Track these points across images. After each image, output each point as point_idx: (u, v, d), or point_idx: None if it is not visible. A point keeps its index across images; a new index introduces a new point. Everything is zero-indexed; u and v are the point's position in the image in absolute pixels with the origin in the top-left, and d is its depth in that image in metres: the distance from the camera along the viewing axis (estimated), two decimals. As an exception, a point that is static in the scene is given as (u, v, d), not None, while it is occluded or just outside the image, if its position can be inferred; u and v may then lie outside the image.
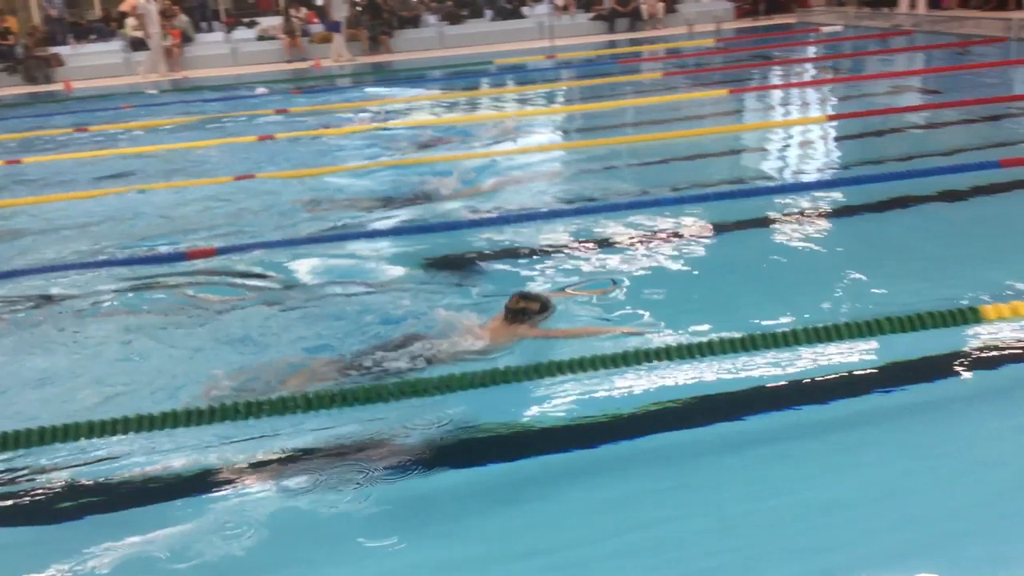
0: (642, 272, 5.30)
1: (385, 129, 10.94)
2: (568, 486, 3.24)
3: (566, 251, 5.80)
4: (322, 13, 22.73)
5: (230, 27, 23.96)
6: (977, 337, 4.07)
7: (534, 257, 5.74)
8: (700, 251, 5.72)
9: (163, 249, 6.35)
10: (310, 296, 5.28)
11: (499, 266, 5.66)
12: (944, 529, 2.90)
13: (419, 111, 12.89)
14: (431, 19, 24.17)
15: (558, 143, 9.70)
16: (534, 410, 3.78)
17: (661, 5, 23.73)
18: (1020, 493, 3.05)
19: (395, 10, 23.19)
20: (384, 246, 6.20)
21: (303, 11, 23.21)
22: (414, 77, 17.25)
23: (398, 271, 5.67)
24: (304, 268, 5.77)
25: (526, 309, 4.63)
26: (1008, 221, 5.92)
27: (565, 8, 24.57)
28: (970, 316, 3.93)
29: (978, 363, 3.91)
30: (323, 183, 8.22)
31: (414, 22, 23.63)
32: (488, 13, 24.86)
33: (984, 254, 5.25)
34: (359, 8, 23.15)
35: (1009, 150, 7.65)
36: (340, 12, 21.19)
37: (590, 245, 5.87)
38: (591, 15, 24.19)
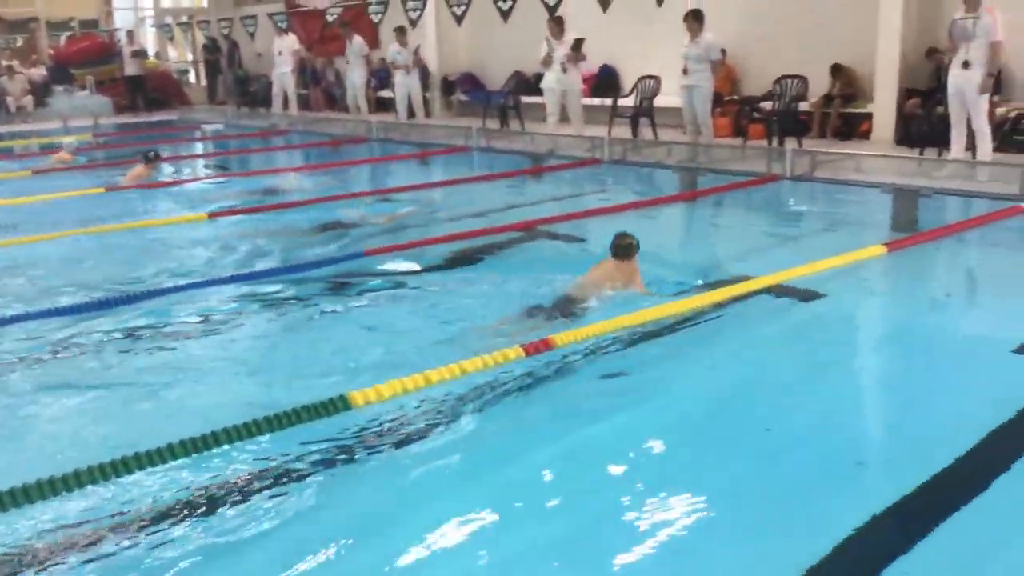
0: None
1: None
2: None
3: None
4: None
5: None
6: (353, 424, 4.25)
7: None
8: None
9: None
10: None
11: None
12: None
13: None
14: None
15: None
16: None
17: (30, 98, 21.91)
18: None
19: None
20: None
21: None
22: None
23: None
24: None
25: (631, 244, 5.70)
26: (374, 313, 6.35)
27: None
28: (340, 404, 4.10)
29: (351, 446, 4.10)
30: None
31: None
32: None
33: (348, 342, 5.56)
34: None
35: (372, 240, 8.43)
36: None
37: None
38: (-59, 105, 21.40)
